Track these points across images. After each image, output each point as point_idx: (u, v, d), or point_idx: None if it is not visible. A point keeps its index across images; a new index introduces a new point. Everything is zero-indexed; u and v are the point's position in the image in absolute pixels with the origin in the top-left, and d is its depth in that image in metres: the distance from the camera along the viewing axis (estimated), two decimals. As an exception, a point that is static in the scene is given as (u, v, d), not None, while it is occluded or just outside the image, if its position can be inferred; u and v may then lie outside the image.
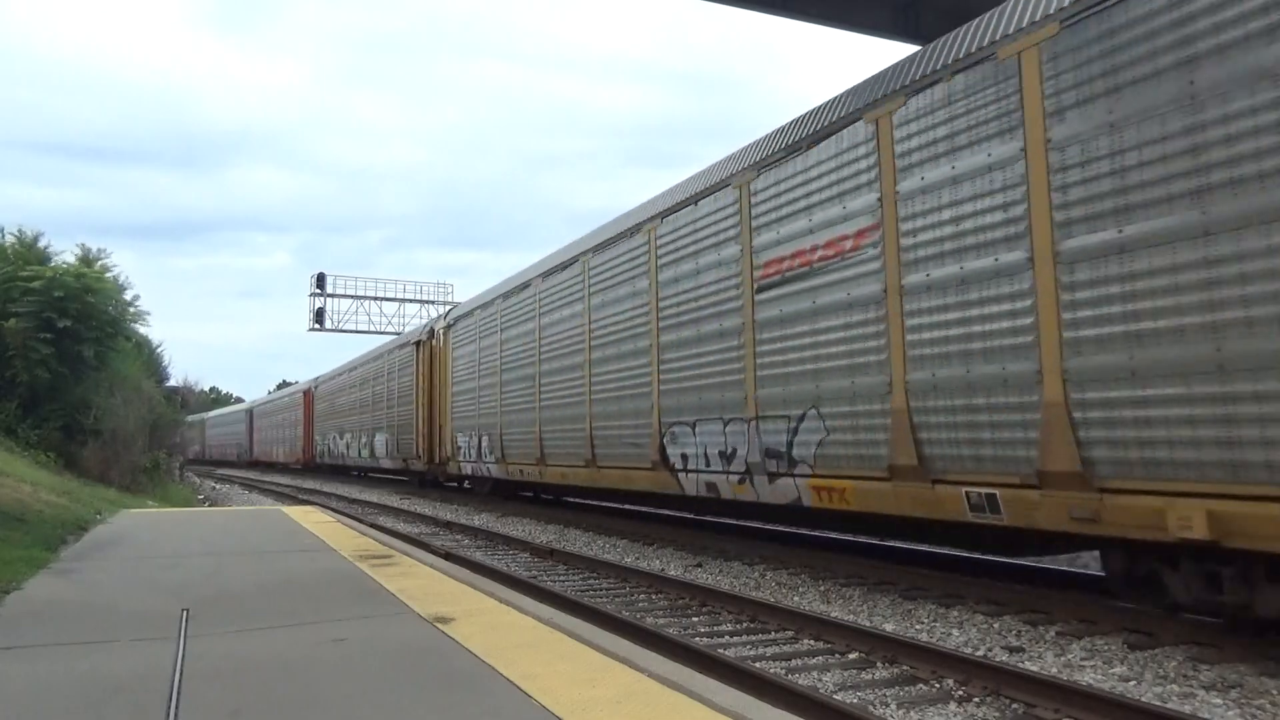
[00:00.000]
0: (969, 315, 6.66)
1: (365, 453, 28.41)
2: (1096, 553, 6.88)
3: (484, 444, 17.54)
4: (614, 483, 12.56)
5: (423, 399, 22.05)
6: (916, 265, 7.13)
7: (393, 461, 25.33)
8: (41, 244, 20.63)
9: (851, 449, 7.84)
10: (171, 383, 41.99)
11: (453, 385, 19.90)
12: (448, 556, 10.01)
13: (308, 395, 38.89)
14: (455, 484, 22.87)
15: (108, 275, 20.48)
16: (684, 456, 10.37)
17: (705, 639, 6.25)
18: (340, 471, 35.20)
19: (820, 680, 5.25)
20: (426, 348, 22.35)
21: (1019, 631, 6.27)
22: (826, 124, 8.31)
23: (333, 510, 15.56)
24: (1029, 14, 6.43)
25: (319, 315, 44.21)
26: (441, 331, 21.18)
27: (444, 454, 20.53)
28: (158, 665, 4.03)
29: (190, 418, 64.43)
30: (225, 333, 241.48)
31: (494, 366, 17.16)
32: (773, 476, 8.89)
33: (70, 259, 20.54)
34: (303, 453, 39.26)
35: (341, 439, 32.15)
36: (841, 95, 8.45)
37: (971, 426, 6.64)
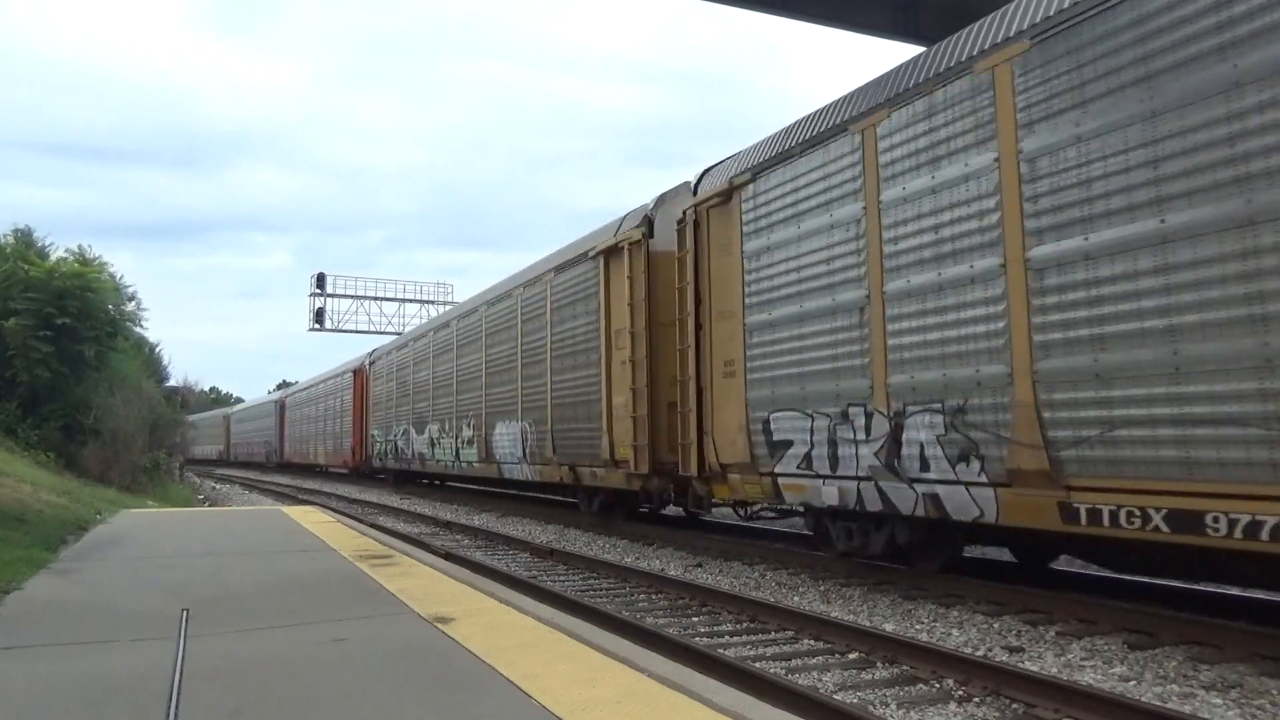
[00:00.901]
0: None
1: (473, 454, 17.82)
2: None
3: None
4: None
5: (628, 352, 11.90)
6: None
7: (536, 468, 14.98)
8: (39, 245, 20.69)
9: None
10: (171, 383, 42.09)
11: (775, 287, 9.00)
12: (448, 556, 10.01)
13: (359, 375, 29.14)
14: (754, 524, 12.29)
15: (105, 275, 20.51)
16: None
17: (705, 639, 6.25)
18: (410, 479, 25.58)
19: (820, 680, 5.25)
20: (636, 254, 12.03)
21: (1019, 631, 6.27)
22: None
23: (332, 510, 15.56)
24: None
25: (319, 315, 44.27)
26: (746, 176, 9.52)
27: (713, 456, 9.78)
28: (158, 665, 4.03)
29: (209, 414, 59.66)
30: (225, 333, 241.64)
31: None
32: None
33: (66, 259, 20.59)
34: (353, 453, 29.22)
35: (421, 433, 21.66)
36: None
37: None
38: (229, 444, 55.04)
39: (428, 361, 21.72)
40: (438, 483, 24.76)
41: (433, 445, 20.83)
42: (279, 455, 42.83)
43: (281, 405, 42.87)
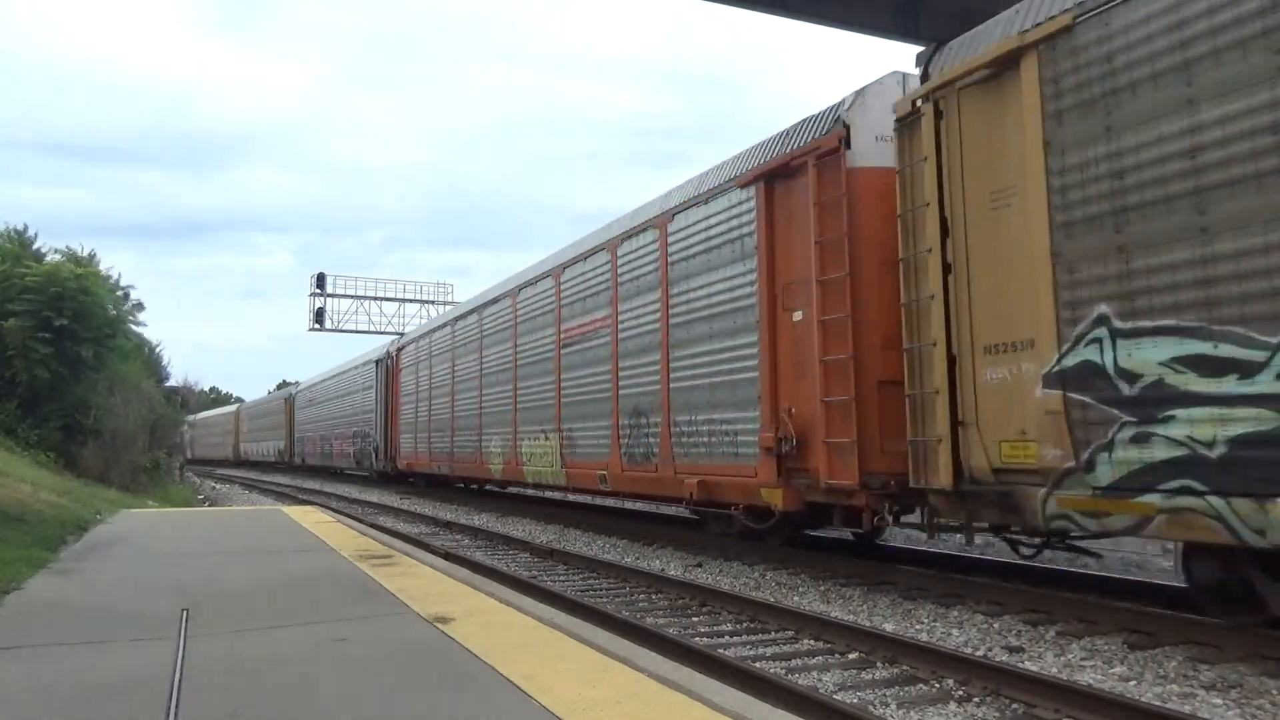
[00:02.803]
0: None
1: None
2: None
3: None
4: None
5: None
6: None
7: None
8: (36, 244, 20.72)
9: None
10: (171, 383, 41.85)
11: None
12: (448, 556, 10.01)
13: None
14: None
15: (101, 275, 20.54)
16: None
17: (705, 639, 6.25)
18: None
19: (820, 680, 5.25)
20: None
21: (1019, 631, 6.27)
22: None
23: (332, 510, 15.55)
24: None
25: (319, 315, 44.19)
26: None
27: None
28: (158, 665, 4.03)
29: (267, 399, 47.33)
30: (225, 333, 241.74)
31: None
32: None
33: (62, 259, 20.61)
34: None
35: None
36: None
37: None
38: (291, 440, 39.00)
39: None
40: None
41: None
42: (382, 455, 24.54)
43: (387, 365, 24.45)
